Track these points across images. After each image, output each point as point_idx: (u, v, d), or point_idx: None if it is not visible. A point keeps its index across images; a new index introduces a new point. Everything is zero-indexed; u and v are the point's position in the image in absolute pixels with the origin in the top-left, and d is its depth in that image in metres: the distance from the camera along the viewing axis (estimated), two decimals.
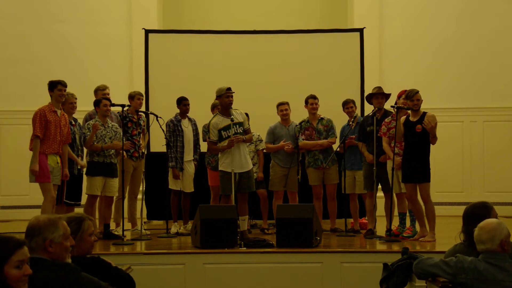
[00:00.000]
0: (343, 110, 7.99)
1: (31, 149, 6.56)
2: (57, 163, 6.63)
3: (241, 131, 6.82)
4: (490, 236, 3.56)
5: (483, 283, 3.51)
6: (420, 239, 6.74)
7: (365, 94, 8.83)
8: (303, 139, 7.81)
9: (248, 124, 7.08)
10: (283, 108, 7.91)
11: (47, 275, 2.90)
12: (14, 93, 10.29)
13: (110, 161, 7.24)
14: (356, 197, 7.83)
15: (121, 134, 7.32)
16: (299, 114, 8.09)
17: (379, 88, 7.48)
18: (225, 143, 6.77)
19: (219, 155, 6.97)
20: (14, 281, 2.61)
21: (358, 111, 8.30)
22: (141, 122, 7.79)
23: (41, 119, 6.48)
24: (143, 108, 8.23)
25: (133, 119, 7.68)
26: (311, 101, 7.82)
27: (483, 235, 3.58)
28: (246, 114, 7.74)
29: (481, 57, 10.49)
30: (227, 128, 6.79)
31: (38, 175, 6.47)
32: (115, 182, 7.34)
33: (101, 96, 7.52)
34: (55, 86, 6.62)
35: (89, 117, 7.58)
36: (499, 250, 3.55)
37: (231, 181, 6.64)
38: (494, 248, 3.55)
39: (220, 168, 6.89)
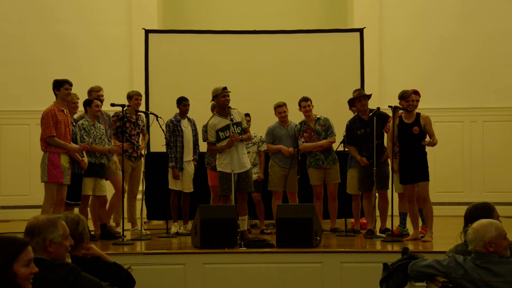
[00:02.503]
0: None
1: (43, 150, 6.52)
2: (68, 162, 6.64)
3: (239, 131, 6.82)
4: (474, 237, 3.59)
5: (471, 283, 3.54)
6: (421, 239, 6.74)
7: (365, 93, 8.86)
8: (302, 142, 7.80)
9: (246, 123, 7.08)
10: (281, 110, 7.90)
11: (48, 275, 2.90)
12: (14, 93, 10.29)
13: (101, 162, 7.23)
14: (359, 197, 7.82)
15: (104, 134, 7.30)
16: (299, 114, 8.08)
17: (360, 90, 7.55)
18: (223, 143, 6.77)
19: (217, 156, 6.97)
20: (22, 279, 2.65)
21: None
22: (140, 122, 7.76)
23: (53, 119, 6.46)
24: (143, 108, 8.23)
25: (131, 119, 7.65)
26: (303, 104, 7.80)
27: (469, 235, 3.63)
28: (248, 115, 7.75)
29: (481, 57, 10.49)
30: (225, 128, 6.79)
31: (53, 174, 6.44)
32: (104, 182, 7.36)
33: (95, 98, 7.45)
34: (62, 85, 6.60)
35: (79, 118, 7.42)
36: (484, 251, 3.56)
37: (231, 181, 6.65)
38: (478, 249, 3.58)
39: (218, 169, 6.88)
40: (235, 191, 6.70)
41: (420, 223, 7.19)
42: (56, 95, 6.64)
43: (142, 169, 7.72)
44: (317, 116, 7.87)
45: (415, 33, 10.56)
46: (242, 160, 6.85)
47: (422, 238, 6.81)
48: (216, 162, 7.02)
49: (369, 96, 7.47)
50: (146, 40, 9.20)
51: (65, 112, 6.65)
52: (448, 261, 3.68)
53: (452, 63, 10.52)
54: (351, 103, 7.71)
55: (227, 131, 6.77)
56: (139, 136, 7.79)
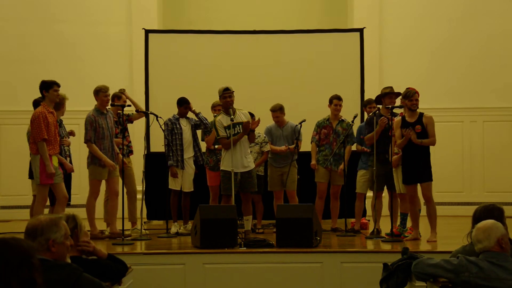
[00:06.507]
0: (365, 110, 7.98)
1: (35, 153, 6.54)
2: (58, 162, 6.68)
3: (241, 131, 6.88)
4: (486, 234, 3.56)
5: (486, 281, 3.49)
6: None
7: (365, 94, 8.87)
8: (317, 139, 7.80)
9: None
10: (273, 115, 7.92)
11: (49, 275, 2.89)
12: (14, 93, 10.28)
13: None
14: (363, 197, 7.81)
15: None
16: (299, 114, 8.10)
17: (392, 87, 7.42)
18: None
19: (222, 154, 7.01)
20: None
21: (358, 111, 8.34)
22: (121, 119, 7.43)
23: (44, 122, 6.47)
24: (143, 108, 8.23)
25: (114, 118, 7.51)
26: (335, 102, 7.77)
27: (479, 234, 3.59)
28: (251, 114, 7.79)
29: (481, 57, 10.49)
30: (229, 127, 6.85)
31: (46, 176, 6.48)
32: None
33: (103, 99, 7.27)
34: (51, 87, 6.62)
35: (90, 118, 7.25)
36: (496, 249, 3.54)
37: (232, 180, 6.68)
38: (491, 246, 3.55)
39: (221, 168, 6.93)
40: (239, 191, 6.72)
41: (409, 224, 7.19)
42: (44, 96, 6.65)
43: (142, 169, 7.70)
44: (342, 118, 7.85)
45: (415, 33, 10.56)
46: (245, 160, 6.90)
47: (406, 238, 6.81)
48: (220, 161, 7.07)
49: (398, 94, 7.26)
50: (146, 40, 9.20)
51: (54, 114, 6.69)
52: (458, 261, 3.61)
53: (452, 63, 10.53)
54: (379, 99, 7.51)
55: (232, 129, 6.84)
56: (124, 134, 7.52)
